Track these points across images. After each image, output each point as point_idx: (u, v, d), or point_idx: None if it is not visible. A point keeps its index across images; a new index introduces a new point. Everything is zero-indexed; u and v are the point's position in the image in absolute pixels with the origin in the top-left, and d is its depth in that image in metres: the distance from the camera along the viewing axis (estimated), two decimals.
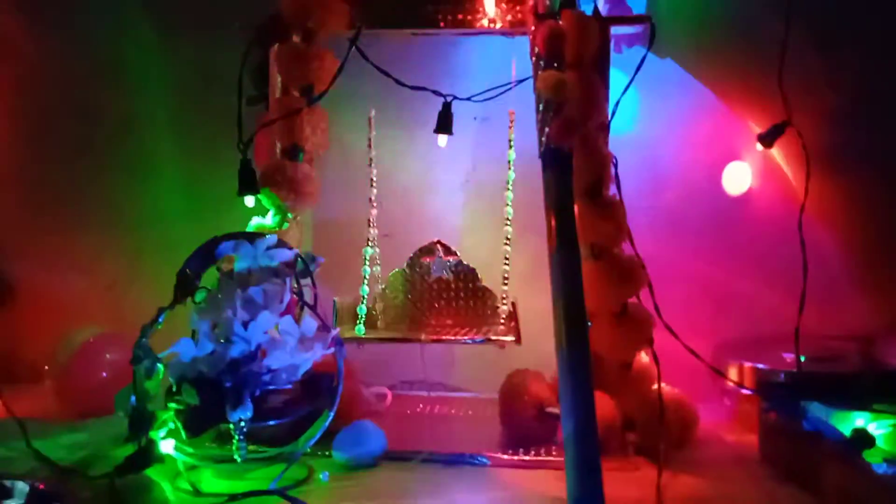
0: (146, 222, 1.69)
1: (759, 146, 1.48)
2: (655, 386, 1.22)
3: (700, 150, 1.60)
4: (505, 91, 1.36)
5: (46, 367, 1.44)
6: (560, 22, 1.13)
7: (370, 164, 1.38)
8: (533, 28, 1.17)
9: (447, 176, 1.63)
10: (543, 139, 1.08)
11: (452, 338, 1.31)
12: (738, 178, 1.60)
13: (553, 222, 1.03)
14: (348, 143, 1.52)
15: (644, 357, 1.28)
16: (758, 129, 1.51)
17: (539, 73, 1.12)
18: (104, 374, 1.43)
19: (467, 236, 1.60)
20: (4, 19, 1.65)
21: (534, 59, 1.16)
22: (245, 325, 1.05)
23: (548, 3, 1.13)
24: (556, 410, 1.23)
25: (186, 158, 1.68)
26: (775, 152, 1.55)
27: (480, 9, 1.27)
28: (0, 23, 1.65)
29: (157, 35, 1.64)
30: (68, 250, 1.69)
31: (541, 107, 1.10)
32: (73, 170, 1.69)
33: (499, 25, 1.27)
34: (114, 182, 1.69)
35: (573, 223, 1.02)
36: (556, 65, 1.12)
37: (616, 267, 1.19)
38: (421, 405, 1.48)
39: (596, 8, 1.22)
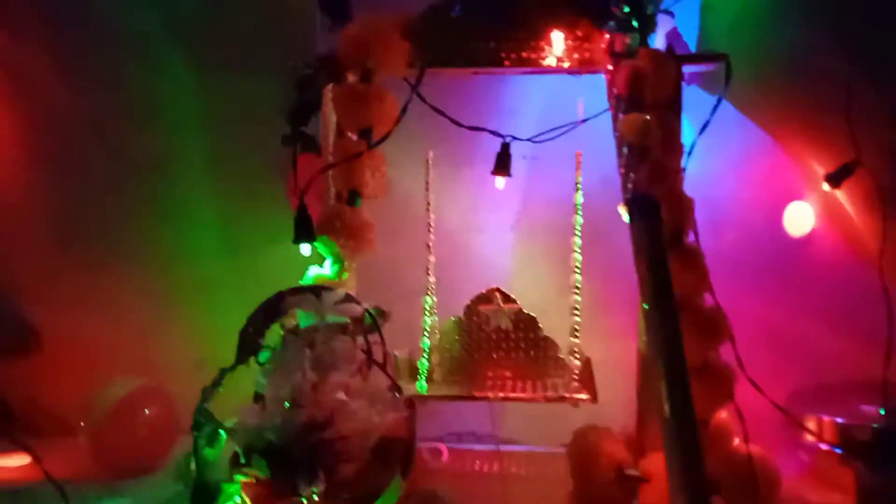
0: (178, 264, 1.62)
1: (826, 186, 1.43)
2: (736, 443, 1.16)
3: (759, 189, 1.55)
4: (569, 130, 1.31)
5: (81, 424, 1.35)
6: (640, 62, 1.07)
7: (428, 209, 1.32)
8: (611, 67, 1.10)
9: (496, 217, 1.57)
10: (630, 186, 1.02)
11: (524, 395, 1.23)
12: (800, 219, 1.54)
13: (646, 274, 0.96)
14: (391, 182, 1.46)
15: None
16: (819, 169, 1.46)
17: (621, 115, 1.06)
18: (143, 432, 1.35)
19: (517, 280, 1.53)
20: (33, 59, 1.58)
21: (612, 100, 1.09)
22: (314, 387, 0.97)
23: (628, 41, 1.07)
24: (635, 473, 1.16)
25: (221, 198, 1.61)
26: (838, 193, 1.49)
27: (546, 47, 1.21)
28: (28, 63, 1.58)
29: (192, 73, 1.57)
30: (96, 294, 1.62)
31: (624, 151, 1.03)
32: (102, 210, 1.62)
33: (566, 64, 1.20)
34: (145, 222, 1.61)
35: (668, 275, 0.95)
36: (636, 107, 1.05)
37: (699, 319, 1.12)
38: (478, 462, 1.40)
39: (670, 46, 1.17)
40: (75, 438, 1.38)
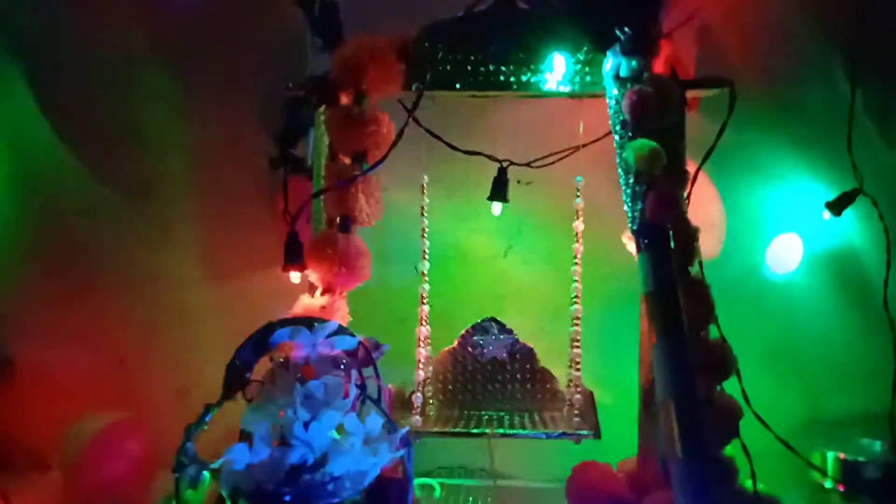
0: (160, 291, 1.56)
1: (826, 214, 1.41)
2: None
3: (752, 217, 1.52)
4: (569, 155, 1.28)
5: (56, 458, 1.28)
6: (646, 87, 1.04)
7: (423, 235, 1.27)
8: (615, 92, 1.07)
9: (489, 243, 1.53)
10: (636, 214, 0.98)
11: (524, 431, 1.18)
12: (791, 249, 1.52)
13: (657, 307, 0.92)
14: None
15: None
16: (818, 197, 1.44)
17: (628, 142, 1.02)
18: (120, 468, 1.28)
19: (511, 309, 1.48)
20: (11, 79, 1.52)
21: (617, 126, 1.06)
22: (305, 425, 0.92)
23: (634, 66, 1.04)
24: None
25: (206, 222, 1.55)
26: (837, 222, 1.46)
27: (545, 70, 1.18)
28: (6, 82, 1.52)
29: (177, 94, 1.52)
30: (73, 322, 1.55)
31: (630, 179, 1.00)
32: (81, 235, 1.55)
33: (568, 88, 1.17)
34: (125, 248, 1.55)
35: (680, 307, 0.91)
36: (642, 133, 1.02)
37: (705, 352, 1.08)
38: (471, 498, 1.34)
39: (674, 71, 1.14)
40: (49, 474, 1.31)
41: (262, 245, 1.49)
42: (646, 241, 0.96)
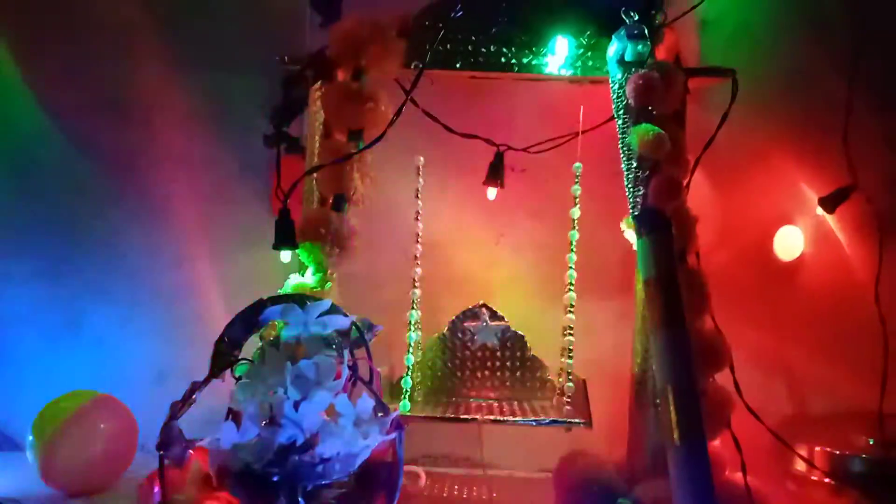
0: (143, 268, 1.52)
1: (820, 210, 1.40)
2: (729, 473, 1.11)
3: (750, 211, 1.51)
4: (568, 141, 1.26)
5: (31, 438, 1.24)
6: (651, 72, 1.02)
7: (417, 218, 1.25)
8: (619, 77, 1.05)
9: (481, 230, 1.51)
10: (638, 200, 0.96)
11: (513, 418, 1.16)
12: (789, 243, 1.51)
13: (657, 293, 0.90)
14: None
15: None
16: (813, 193, 1.43)
17: (631, 127, 1.00)
18: (98, 447, 1.24)
19: (502, 296, 1.47)
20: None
21: (621, 111, 1.04)
22: (296, 405, 0.89)
23: (640, 50, 1.02)
24: (628, 503, 1.10)
25: (195, 199, 1.52)
26: (830, 218, 1.46)
27: (548, 53, 1.16)
28: None
29: (171, 68, 1.47)
30: (51, 300, 1.51)
31: (633, 164, 0.98)
32: (64, 210, 1.51)
33: (570, 72, 1.15)
34: (110, 222, 1.51)
35: (679, 295, 0.90)
36: (646, 118, 1.00)
37: (701, 343, 1.07)
38: (456, 487, 1.32)
39: (678, 58, 1.13)
40: (24, 454, 1.26)
41: (251, 224, 1.47)
42: (647, 226, 0.94)
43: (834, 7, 1.40)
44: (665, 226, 0.94)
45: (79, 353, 1.51)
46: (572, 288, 1.23)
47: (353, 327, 0.98)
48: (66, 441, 1.23)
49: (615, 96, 1.06)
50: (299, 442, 0.88)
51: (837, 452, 1.24)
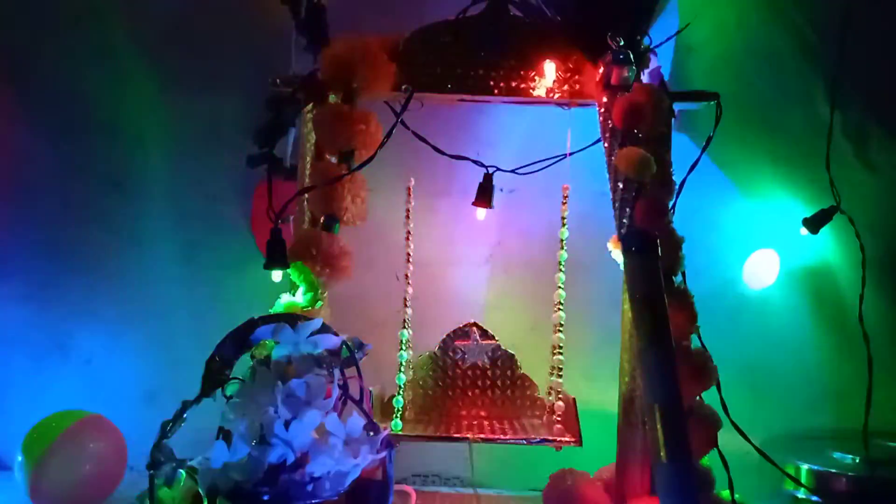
0: (132, 289, 1.52)
1: (804, 231, 1.42)
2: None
3: (728, 233, 1.53)
4: (556, 162, 1.28)
5: (20, 458, 1.24)
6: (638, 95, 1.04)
7: (407, 238, 1.26)
8: (605, 100, 1.08)
9: (470, 250, 1.52)
10: (625, 221, 0.98)
11: (504, 437, 1.17)
12: (768, 264, 1.52)
13: (642, 314, 0.92)
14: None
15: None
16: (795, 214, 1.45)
17: (618, 149, 1.02)
18: (86, 467, 1.24)
19: (491, 316, 1.48)
20: None
21: (607, 134, 1.06)
22: (286, 424, 0.90)
23: (626, 74, 1.04)
24: None
25: (182, 220, 1.52)
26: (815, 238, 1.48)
27: (535, 77, 1.18)
28: None
29: (156, 88, 1.48)
30: (39, 321, 1.51)
31: (619, 186, 1.00)
32: (51, 228, 1.52)
33: (557, 95, 1.17)
34: (97, 243, 1.51)
35: (666, 315, 0.91)
36: (632, 141, 1.02)
37: (688, 362, 1.08)
38: None
39: (663, 81, 1.15)
40: (12, 473, 1.26)
41: (237, 244, 1.48)
42: (634, 247, 0.96)
43: (815, 35, 1.43)
44: (652, 246, 0.95)
45: (67, 373, 1.51)
46: (562, 307, 1.24)
47: (344, 346, 0.99)
48: (55, 461, 1.23)
49: (601, 120, 1.08)
50: (290, 461, 0.89)
51: (824, 471, 1.26)
